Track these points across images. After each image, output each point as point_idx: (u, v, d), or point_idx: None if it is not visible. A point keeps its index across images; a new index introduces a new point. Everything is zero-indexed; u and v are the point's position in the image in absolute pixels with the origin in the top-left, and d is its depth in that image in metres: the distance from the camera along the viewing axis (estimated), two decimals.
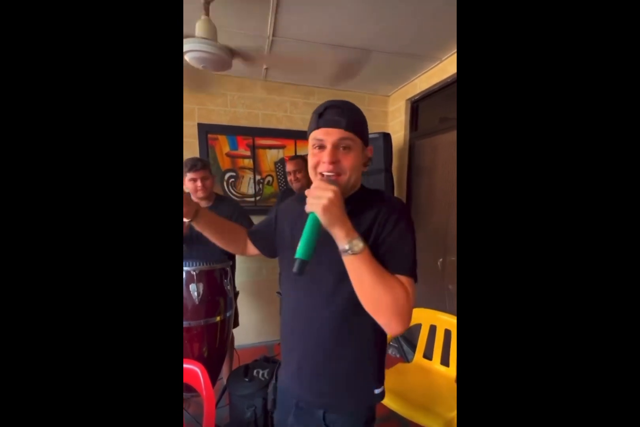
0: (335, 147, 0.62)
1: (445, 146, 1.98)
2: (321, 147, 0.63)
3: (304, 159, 1.81)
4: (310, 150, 0.66)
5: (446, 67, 1.79)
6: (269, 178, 2.32)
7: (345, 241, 0.56)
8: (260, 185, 2.30)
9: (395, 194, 2.15)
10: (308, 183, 1.75)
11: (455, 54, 1.70)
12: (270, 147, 2.28)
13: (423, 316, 1.59)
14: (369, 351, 0.69)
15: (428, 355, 1.57)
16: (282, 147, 2.31)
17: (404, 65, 1.91)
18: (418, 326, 1.61)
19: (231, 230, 0.85)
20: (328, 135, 0.62)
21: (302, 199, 0.62)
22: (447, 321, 1.52)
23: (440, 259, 2.10)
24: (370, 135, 2.31)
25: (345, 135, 0.62)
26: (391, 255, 0.62)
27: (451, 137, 1.92)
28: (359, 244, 0.56)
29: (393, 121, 2.38)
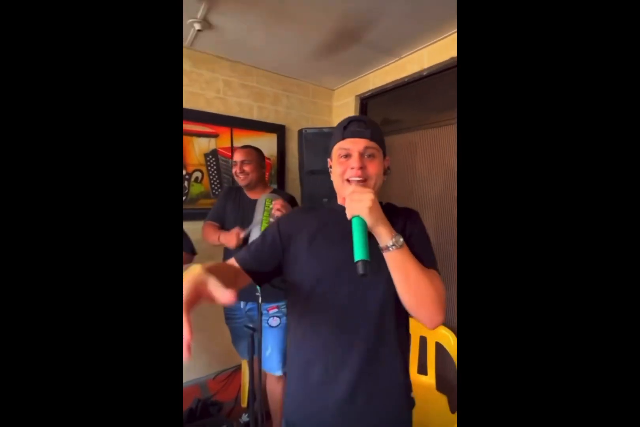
0: (361, 155, 0.67)
1: (399, 148, 1.94)
2: (347, 156, 0.68)
3: (257, 151, 1.46)
4: (335, 160, 0.71)
5: (405, 65, 1.73)
6: (197, 174, 1.85)
7: (389, 237, 0.59)
8: (186, 183, 1.81)
9: None
10: (258, 179, 1.42)
11: (416, 53, 1.66)
12: (199, 134, 1.82)
13: None
14: (405, 361, 0.71)
15: None
16: (215, 135, 1.87)
17: (355, 58, 1.77)
18: None
19: (227, 277, 0.64)
20: (354, 144, 0.67)
21: (313, 210, 0.80)
22: (421, 328, 1.47)
23: None
24: (325, 130, 2.04)
25: (370, 144, 0.67)
26: (420, 251, 0.65)
27: (405, 139, 1.90)
28: (400, 239, 0.60)
29: (339, 117, 2.23)
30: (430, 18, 1.37)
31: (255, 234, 1.21)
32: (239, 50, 1.72)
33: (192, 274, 0.45)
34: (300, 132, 1.84)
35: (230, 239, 1.30)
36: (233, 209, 1.45)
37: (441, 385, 1.42)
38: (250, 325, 1.10)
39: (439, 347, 1.44)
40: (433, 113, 1.72)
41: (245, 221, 1.33)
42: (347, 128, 0.69)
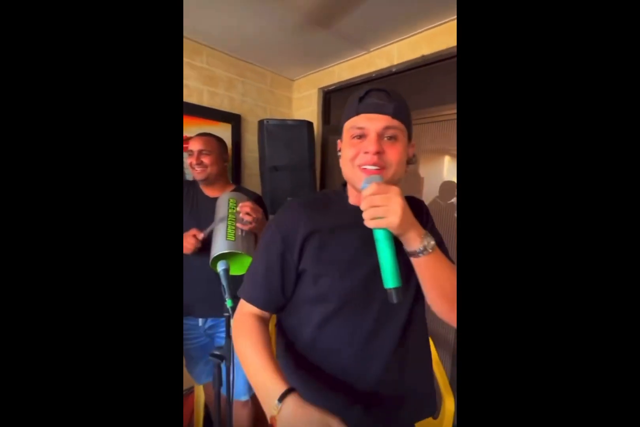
0: (380, 136, 0.52)
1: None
2: (361, 136, 0.53)
3: (218, 140, 1.24)
4: (347, 142, 0.56)
5: (374, 59, 1.66)
6: None
7: (419, 241, 0.50)
8: None
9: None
10: (218, 174, 1.21)
11: (385, 48, 1.60)
12: None
13: None
14: (429, 361, 0.65)
15: None
16: None
17: (321, 47, 1.65)
18: None
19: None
20: (371, 121, 0.52)
21: (317, 207, 0.61)
22: None
23: None
24: (288, 122, 1.86)
25: (392, 123, 0.52)
26: (442, 247, 0.60)
27: None
28: (431, 241, 0.51)
29: (300, 110, 2.08)
30: (403, 12, 1.32)
31: (219, 235, 1.00)
32: (186, 23, 1.46)
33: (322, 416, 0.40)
34: (261, 123, 1.65)
35: (186, 243, 1.07)
36: (186, 208, 1.21)
37: None
38: (217, 352, 0.91)
39: None
40: None
41: (202, 224, 1.11)
42: (364, 100, 0.53)
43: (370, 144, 0.51)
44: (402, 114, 0.53)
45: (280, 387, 0.45)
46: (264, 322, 0.59)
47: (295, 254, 0.56)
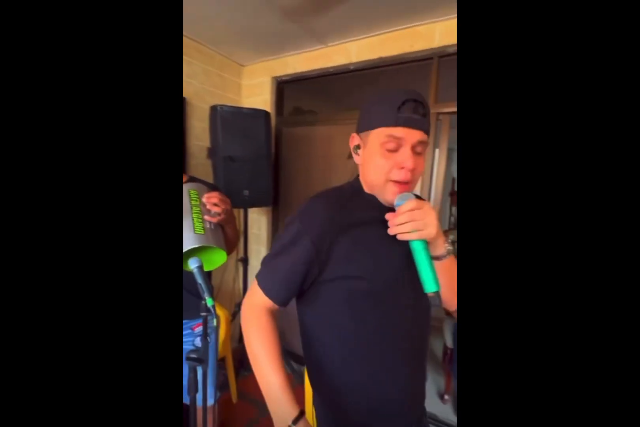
0: (412, 150, 0.54)
1: (316, 140, 1.90)
2: (394, 150, 0.54)
3: None
4: (377, 150, 0.56)
5: (331, 55, 1.68)
6: None
7: (444, 247, 0.56)
8: None
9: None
10: None
11: (344, 45, 1.64)
12: None
13: None
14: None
15: None
16: None
17: (277, 33, 1.60)
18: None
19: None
20: (409, 136, 0.53)
21: (339, 203, 0.59)
22: None
23: None
24: (244, 110, 1.87)
25: (423, 138, 0.55)
26: None
27: (323, 131, 1.87)
28: (450, 247, 0.57)
29: (250, 98, 1.99)
30: (366, 13, 1.36)
31: (185, 229, 0.91)
32: None
33: None
34: (214, 109, 1.53)
35: None
36: None
37: None
38: (193, 355, 0.84)
39: None
40: (354, 111, 1.75)
41: None
42: (402, 110, 0.52)
43: (407, 161, 0.53)
44: (429, 128, 0.57)
45: (294, 410, 0.51)
46: (275, 317, 0.60)
47: (323, 256, 0.56)
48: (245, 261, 1.89)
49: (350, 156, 0.64)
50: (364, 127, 0.59)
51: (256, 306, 0.59)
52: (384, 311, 0.58)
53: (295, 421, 0.50)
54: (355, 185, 0.65)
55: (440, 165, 1.45)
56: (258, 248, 2.10)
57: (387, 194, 0.57)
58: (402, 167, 0.54)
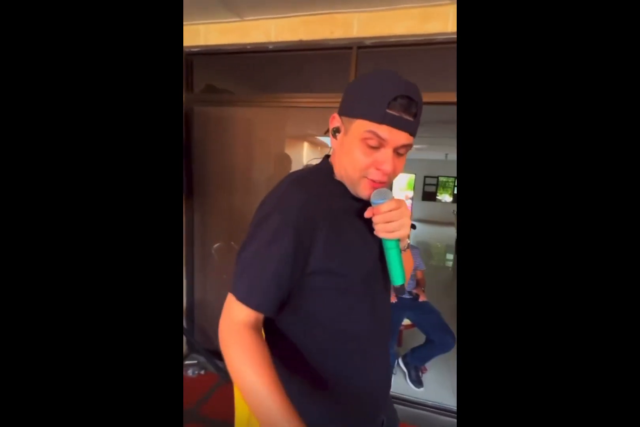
0: (394, 151, 0.51)
1: (233, 122, 1.78)
2: (376, 147, 0.51)
3: None
4: (357, 144, 0.51)
5: (249, 30, 1.56)
6: None
7: (406, 241, 0.62)
8: None
9: None
10: None
11: (263, 21, 1.54)
12: None
13: None
14: None
15: None
16: None
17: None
18: None
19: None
20: (393, 137, 0.50)
21: (317, 197, 0.53)
22: None
23: (216, 245, 1.95)
24: None
25: (409, 141, 0.52)
26: None
27: (239, 113, 1.76)
28: (408, 240, 0.64)
29: None
30: None
31: None
32: None
33: None
34: None
35: None
36: None
37: None
38: None
39: None
40: (270, 92, 1.69)
41: None
42: (392, 106, 0.47)
43: (386, 163, 0.50)
44: (416, 130, 0.53)
45: (288, 411, 0.43)
46: (260, 333, 0.52)
47: (307, 250, 0.51)
48: None
49: (327, 132, 0.59)
50: (347, 111, 0.53)
51: (237, 324, 0.49)
52: (364, 302, 0.58)
53: None
54: (325, 170, 0.60)
55: None
56: None
57: (360, 189, 0.55)
58: (380, 169, 0.51)
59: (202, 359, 1.85)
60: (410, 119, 0.49)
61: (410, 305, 1.92)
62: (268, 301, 0.50)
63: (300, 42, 1.52)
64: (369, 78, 0.52)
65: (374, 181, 0.53)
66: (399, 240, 0.55)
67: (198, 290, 1.98)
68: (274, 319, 0.56)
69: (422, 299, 1.95)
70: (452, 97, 1.33)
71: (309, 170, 0.63)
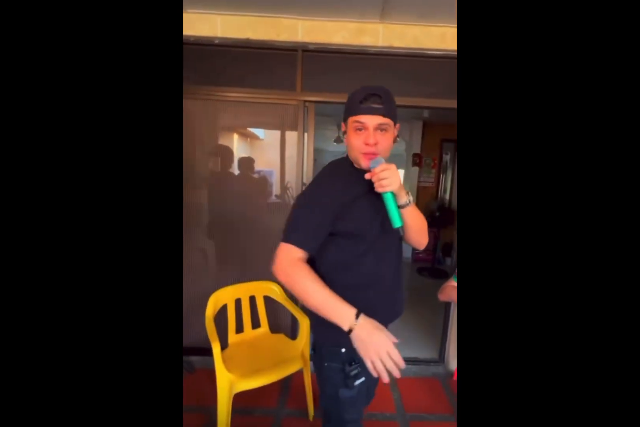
0: (375, 129, 0.75)
1: (199, 114, 1.74)
2: (362, 129, 0.76)
3: None
4: (351, 132, 0.78)
5: (194, 22, 1.57)
6: None
7: (406, 197, 0.80)
8: None
9: None
10: None
11: (208, 16, 1.57)
12: None
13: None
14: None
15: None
16: None
17: None
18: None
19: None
20: (369, 120, 0.74)
21: (343, 173, 0.83)
22: (249, 289, 1.60)
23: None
24: None
25: (384, 120, 0.75)
26: None
27: (187, 104, 1.73)
28: (410, 198, 0.81)
29: None
30: None
31: None
32: None
33: (376, 327, 0.68)
34: None
35: None
36: None
37: (274, 329, 1.69)
38: None
39: (268, 300, 1.67)
40: (212, 85, 1.71)
41: None
42: (363, 103, 0.73)
43: (369, 137, 0.74)
44: (390, 112, 0.75)
45: (352, 310, 0.69)
46: (309, 267, 0.75)
47: (338, 211, 0.76)
48: None
49: (336, 140, 0.85)
50: (344, 117, 0.80)
51: (294, 260, 0.74)
52: (375, 252, 0.82)
53: (357, 317, 0.67)
54: (348, 162, 0.86)
55: (309, 145, 1.72)
56: None
57: (361, 163, 0.79)
58: (367, 143, 0.75)
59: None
60: (378, 106, 0.73)
61: None
62: (312, 244, 0.77)
63: (248, 40, 1.60)
64: (352, 93, 0.78)
65: (367, 154, 0.77)
66: (392, 193, 0.75)
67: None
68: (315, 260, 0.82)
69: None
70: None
71: (340, 161, 0.89)
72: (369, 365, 0.65)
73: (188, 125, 1.77)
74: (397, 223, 0.75)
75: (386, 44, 1.57)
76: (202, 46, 1.64)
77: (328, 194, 0.78)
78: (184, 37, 1.60)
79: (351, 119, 0.76)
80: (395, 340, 0.66)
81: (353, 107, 0.75)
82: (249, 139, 2.12)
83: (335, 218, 0.77)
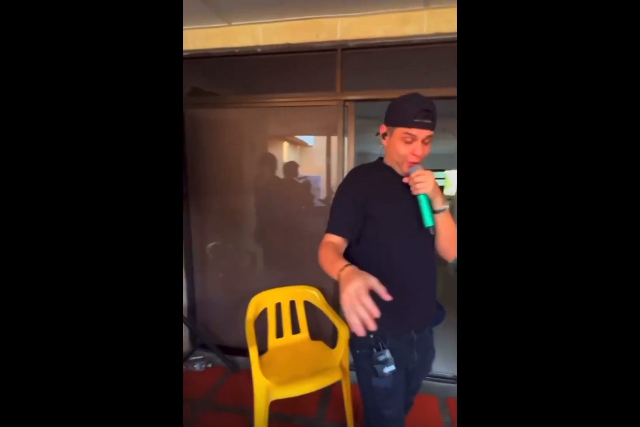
0: (422, 142, 0.81)
1: (228, 124, 1.83)
2: (410, 142, 0.81)
3: None
4: (398, 141, 0.82)
5: (237, 35, 1.64)
6: None
7: (441, 203, 0.83)
8: None
9: None
10: None
11: (250, 26, 1.62)
12: None
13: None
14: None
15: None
16: None
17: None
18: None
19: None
20: (420, 134, 0.80)
21: (369, 172, 0.91)
22: (288, 294, 1.59)
23: (210, 244, 1.99)
24: None
25: (431, 134, 0.81)
26: None
27: (226, 115, 1.82)
28: (446, 205, 0.84)
29: None
30: None
31: None
32: None
33: (353, 273, 0.63)
34: None
35: None
36: None
37: (314, 335, 1.66)
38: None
39: (308, 305, 1.64)
40: (257, 93, 1.76)
41: None
42: (417, 117, 0.77)
43: (418, 150, 0.81)
44: (435, 125, 0.81)
45: (343, 262, 0.70)
46: (337, 247, 0.81)
47: (362, 201, 0.83)
48: None
49: (377, 134, 0.91)
50: (390, 122, 0.84)
51: (324, 243, 0.82)
52: (400, 246, 0.85)
53: (342, 269, 0.67)
54: (377, 162, 0.96)
55: (349, 147, 1.65)
56: None
57: (404, 168, 0.85)
58: (415, 155, 0.81)
59: (206, 354, 1.89)
60: (429, 121, 0.79)
61: None
62: (344, 229, 0.83)
63: (288, 45, 1.61)
64: (402, 99, 0.82)
65: (411, 162, 0.83)
66: (427, 195, 0.80)
67: (198, 289, 2.01)
68: (350, 252, 0.87)
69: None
70: (432, 92, 1.47)
71: (367, 164, 0.97)
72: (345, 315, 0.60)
73: (235, 133, 1.85)
74: (428, 222, 0.79)
75: (432, 31, 1.44)
76: (246, 56, 1.70)
77: (353, 183, 0.87)
78: (229, 50, 1.68)
79: (401, 130, 0.81)
80: (376, 285, 0.59)
81: (405, 120, 0.79)
82: (298, 147, 2.15)
83: (364, 204, 0.83)
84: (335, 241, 0.82)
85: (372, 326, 0.54)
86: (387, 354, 0.83)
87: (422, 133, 0.79)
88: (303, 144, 2.14)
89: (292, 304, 1.65)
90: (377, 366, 0.82)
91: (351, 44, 1.55)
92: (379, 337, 0.85)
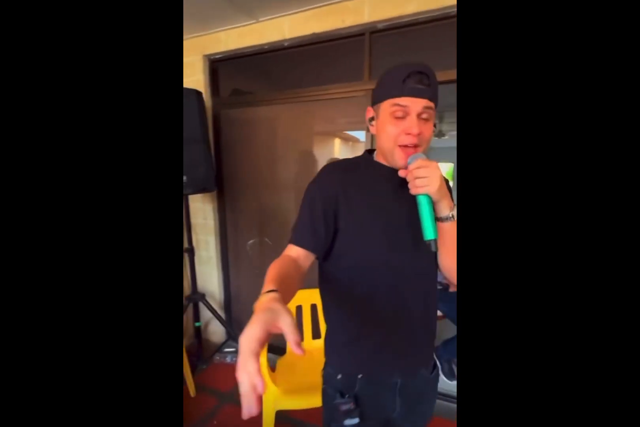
0: (418, 116, 0.59)
1: (261, 121, 1.84)
2: (402, 116, 0.59)
3: None
4: (387, 119, 0.61)
5: (264, 30, 1.61)
6: None
7: (449, 209, 0.59)
8: None
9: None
10: None
11: (276, 20, 1.58)
12: None
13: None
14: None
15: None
16: None
17: (205, 6, 1.48)
18: None
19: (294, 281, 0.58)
20: (413, 104, 0.58)
21: (349, 168, 0.68)
22: (306, 298, 1.53)
23: (251, 241, 2.02)
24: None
25: (429, 104, 0.59)
26: None
27: (262, 113, 1.81)
28: (455, 211, 0.60)
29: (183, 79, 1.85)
30: None
31: None
32: None
33: (262, 308, 0.43)
34: None
35: None
36: None
37: None
38: None
39: None
40: (290, 88, 1.71)
41: None
42: (407, 82, 0.57)
43: (412, 126, 0.58)
44: (436, 96, 0.60)
45: (268, 287, 0.49)
46: (296, 261, 0.62)
47: (335, 206, 0.63)
48: (191, 251, 1.80)
49: (367, 129, 0.70)
50: (375, 99, 0.64)
51: (281, 255, 0.63)
52: (383, 255, 0.64)
53: (267, 293, 0.49)
54: (362, 157, 0.73)
55: None
56: (206, 238, 2.01)
57: (396, 160, 0.62)
58: (409, 133, 0.58)
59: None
60: (423, 86, 0.57)
61: (440, 296, 1.81)
62: (306, 239, 0.63)
63: (314, 35, 1.52)
64: (387, 71, 0.62)
65: (406, 147, 0.60)
66: (429, 196, 0.57)
67: (233, 284, 2.08)
68: (323, 270, 0.71)
69: (452, 289, 1.82)
70: None
71: (348, 158, 0.75)
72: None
73: (273, 131, 1.84)
74: (428, 235, 0.57)
75: None
76: (275, 52, 1.67)
77: (324, 184, 0.66)
78: (259, 47, 1.67)
79: (388, 102, 0.60)
80: (287, 328, 0.41)
81: (392, 87, 0.59)
82: (350, 143, 2.06)
83: (336, 210, 0.63)
84: (296, 254, 0.62)
85: (260, 390, 0.37)
86: (351, 405, 0.65)
87: (417, 103, 0.57)
88: (355, 140, 2.04)
89: (314, 307, 1.57)
90: (337, 414, 0.66)
91: (380, 26, 1.39)
92: (345, 380, 0.67)
